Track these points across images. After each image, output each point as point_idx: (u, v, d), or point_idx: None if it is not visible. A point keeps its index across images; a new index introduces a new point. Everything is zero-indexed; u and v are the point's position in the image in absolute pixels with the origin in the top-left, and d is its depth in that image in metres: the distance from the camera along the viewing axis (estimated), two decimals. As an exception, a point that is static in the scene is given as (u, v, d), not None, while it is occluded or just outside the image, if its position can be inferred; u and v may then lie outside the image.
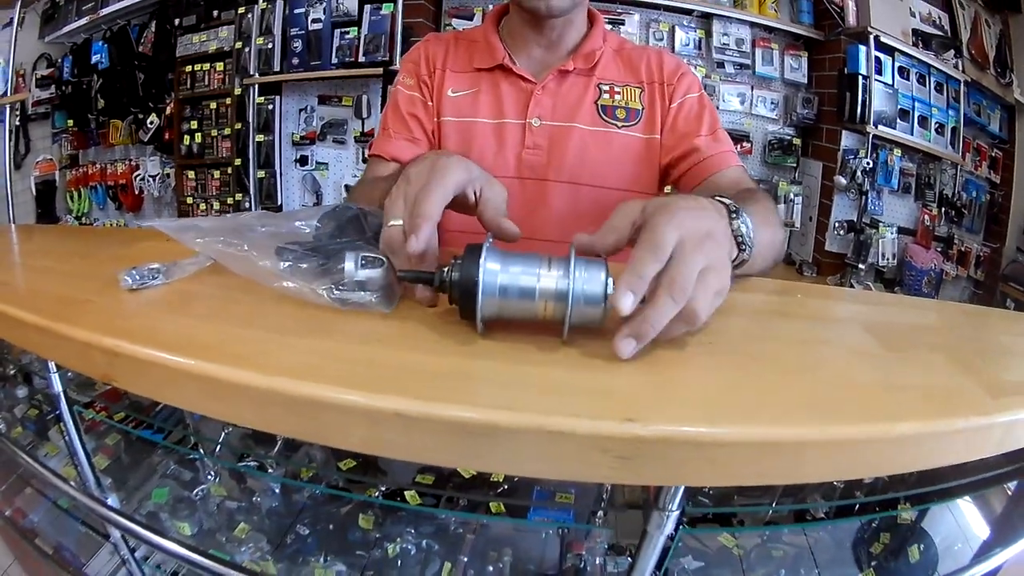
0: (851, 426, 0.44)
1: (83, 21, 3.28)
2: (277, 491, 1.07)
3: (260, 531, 1.02)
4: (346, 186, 2.84)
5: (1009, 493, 0.81)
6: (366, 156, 1.16)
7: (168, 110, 3.08)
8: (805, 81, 2.92)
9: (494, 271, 0.51)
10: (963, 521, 0.94)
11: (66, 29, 3.34)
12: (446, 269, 0.53)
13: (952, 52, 3.10)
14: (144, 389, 0.52)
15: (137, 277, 0.61)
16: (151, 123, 3.10)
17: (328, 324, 0.55)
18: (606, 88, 1.11)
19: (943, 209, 3.09)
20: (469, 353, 0.51)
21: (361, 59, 2.66)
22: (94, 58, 3.27)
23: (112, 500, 0.89)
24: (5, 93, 3.22)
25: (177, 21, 3.04)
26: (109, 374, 0.51)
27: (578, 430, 0.41)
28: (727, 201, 0.63)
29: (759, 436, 0.42)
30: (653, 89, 1.12)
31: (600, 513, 0.83)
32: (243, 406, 0.47)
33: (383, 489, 0.90)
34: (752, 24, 2.86)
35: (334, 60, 2.70)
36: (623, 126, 1.10)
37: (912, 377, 0.54)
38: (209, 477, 1.09)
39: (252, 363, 0.46)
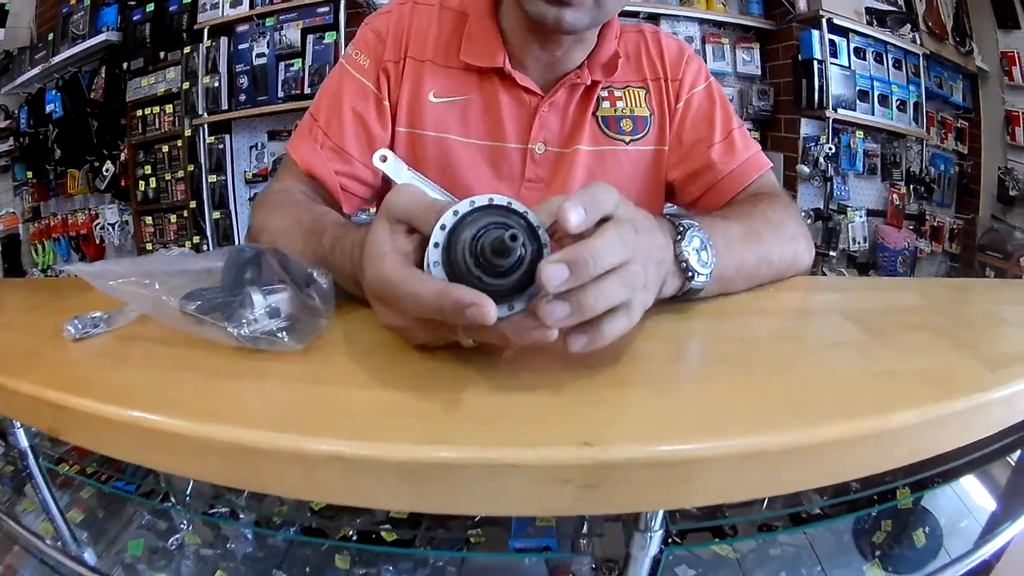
0: (839, 423, 0.40)
1: (36, 71, 3.24)
2: (250, 536, 1.02)
3: (238, 578, 0.97)
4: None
5: (1012, 464, 0.78)
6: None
7: (123, 156, 3.02)
8: (759, 73, 2.89)
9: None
10: (966, 497, 0.89)
11: (20, 80, 3.29)
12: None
13: (908, 26, 3.09)
14: (87, 442, 0.51)
15: (80, 327, 0.60)
16: (107, 170, 3.05)
17: (255, 366, 0.52)
18: (604, 94, 0.89)
19: (911, 187, 3.09)
20: (395, 384, 0.48)
21: (307, 91, 2.61)
22: (48, 107, 3.22)
23: (88, 555, 0.86)
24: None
25: (125, 65, 2.99)
26: (55, 427, 0.50)
27: (530, 460, 0.37)
28: (675, 221, 0.58)
29: (737, 448, 0.39)
30: (659, 87, 0.91)
31: (584, 531, 0.79)
32: (179, 456, 0.44)
33: (357, 527, 0.86)
34: (701, 20, 2.82)
35: (280, 94, 2.66)
36: (632, 141, 0.90)
37: (900, 361, 0.50)
38: (182, 526, 1.04)
39: (187, 410, 0.44)
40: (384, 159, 0.49)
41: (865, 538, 0.94)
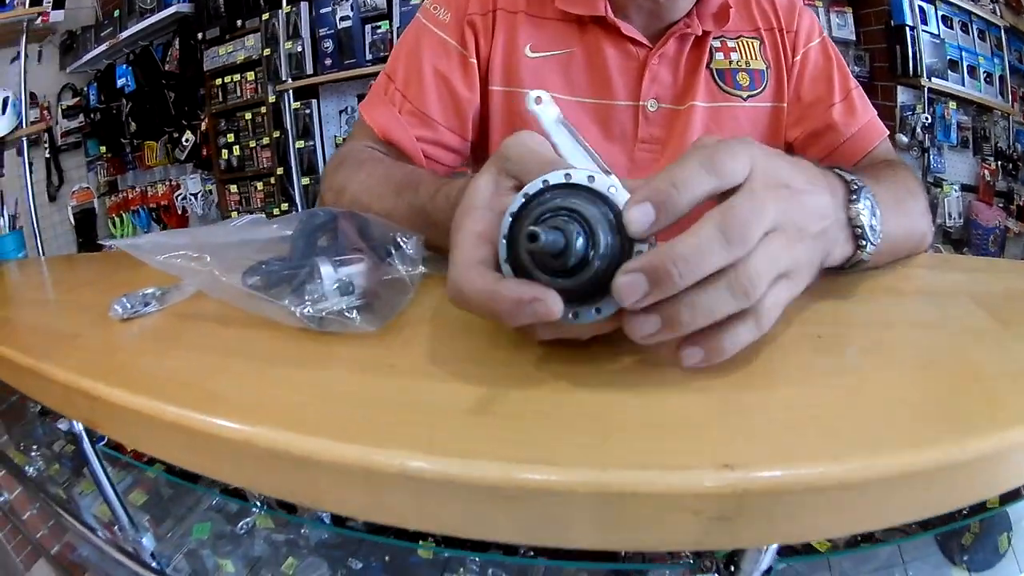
0: (991, 435, 0.32)
1: (103, 47, 3.25)
2: (327, 520, 0.96)
3: (310, 566, 0.93)
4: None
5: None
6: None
7: (203, 126, 3.03)
8: (853, 38, 2.80)
9: None
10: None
11: (87, 57, 3.31)
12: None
13: (989, -5, 2.98)
14: (124, 438, 0.47)
15: (128, 306, 0.56)
16: (187, 141, 3.06)
17: (321, 350, 0.46)
18: (716, 44, 0.81)
19: (999, 163, 2.98)
20: (489, 378, 0.40)
21: (396, 52, 2.56)
22: (119, 82, 3.23)
23: (147, 539, 0.82)
24: (21, 125, 3.21)
25: (200, 35, 2.98)
26: (91, 420, 0.45)
27: (656, 488, 0.29)
28: (846, 175, 0.47)
29: (899, 466, 0.30)
30: (774, 38, 0.83)
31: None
32: (222, 461, 0.39)
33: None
34: (793, -18, 2.74)
35: (368, 57, 2.60)
36: (749, 96, 0.82)
37: None
38: (255, 509, 0.98)
39: (230, 405, 0.39)
40: (539, 100, 0.41)
41: (954, 541, 0.87)
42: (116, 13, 3.21)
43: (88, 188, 3.55)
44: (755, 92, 0.83)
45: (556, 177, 0.37)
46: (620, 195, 0.36)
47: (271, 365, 0.44)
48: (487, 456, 0.31)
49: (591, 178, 0.37)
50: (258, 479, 0.38)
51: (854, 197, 0.46)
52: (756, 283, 0.35)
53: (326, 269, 0.47)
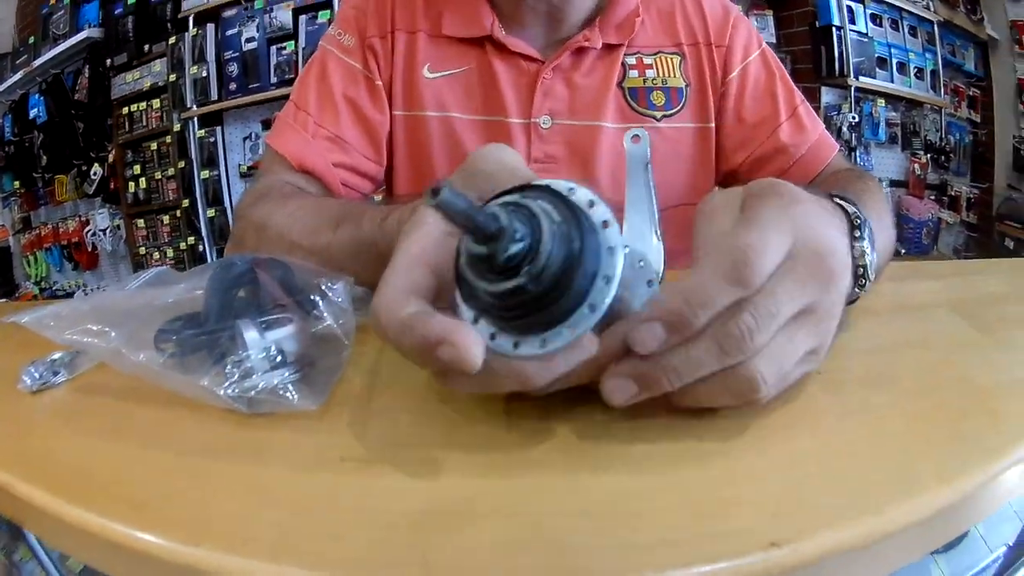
0: (1003, 457, 0.33)
1: (18, 76, 3.18)
2: None
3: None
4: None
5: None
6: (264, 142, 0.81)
7: (110, 157, 2.92)
8: (774, 40, 2.80)
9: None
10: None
11: (3, 87, 3.22)
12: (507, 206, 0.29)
13: (922, -8, 3.02)
14: (53, 541, 0.42)
15: (36, 376, 0.48)
16: (95, 174, 2.95)
17: (253, 438, 0.38)
18: (632, 61, 0.78)
19: (930, 156, 3.01)
20: (469, 460, 0.33)
21: (302, 74, 2.48)
22: (32, 113, 3.13)
23: None
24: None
25: (109, 61, 2.89)
26: (17, 518, 0.38)
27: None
28: (848, 207, 0.41)
29: (934, 503, 0.30)
30: (698, 54, 0.79)
31: None
32: None
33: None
34: (712, -15, 2.72)
35: (273, 80, 2.52)
36: (664, 116, 0.78)
37: (1020, 366, 0.44)
38: None
39: (164, 518, 0.31)
40: (636, 139, 0.40)
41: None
42: (31, 39, 3.13)
43: (3, 226, 3.43)
44: (671, 112, 0.78)
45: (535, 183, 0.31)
46: (597, 214, 0.30)
47: (199, 459, 0.36)
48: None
49: (571, 190, 0.30)
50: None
51: (857, 234, 0.41)
52: (755, 337, 0.31)
53: (251, 335, 0.40)
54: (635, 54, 0.78)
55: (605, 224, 0.29)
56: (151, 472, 0.36)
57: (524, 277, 0.28)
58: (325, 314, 0.44)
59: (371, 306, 0.32)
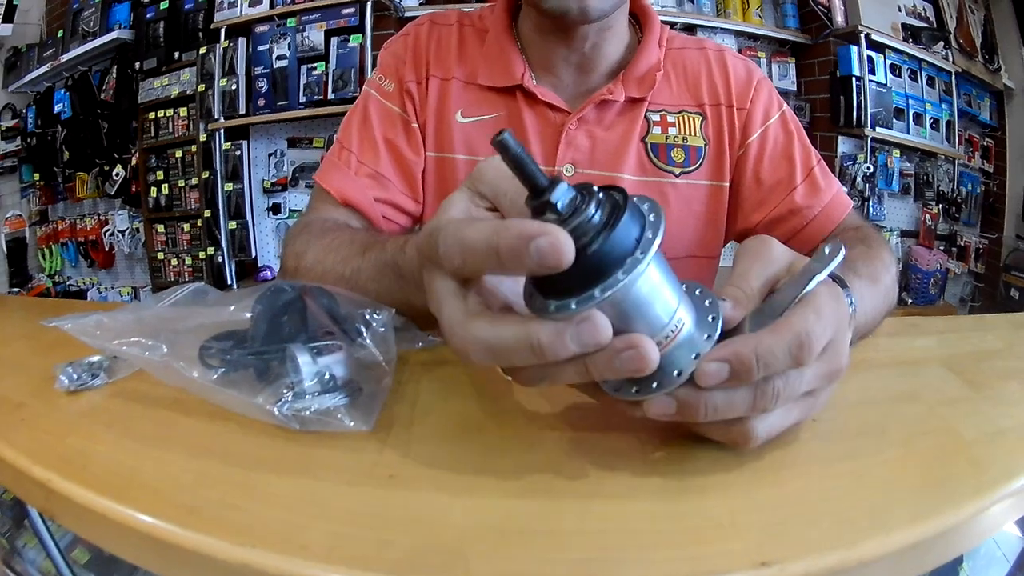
0: (977, 498, 0.37)
1: (45, 68, 3.16)
2: None
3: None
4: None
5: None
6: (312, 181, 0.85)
7: (133, 160, 2.93)
8: (795, 88, 2.81)
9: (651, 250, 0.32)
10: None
11: (28, 77, 3.21)
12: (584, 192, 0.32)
13: (941, 43, 3.03)
14: (86, 534, 0.40)
15: (74, 376, 0.50)
16: (117, 175, 2.95)
17: (303, 454, 0.40)
18: (656, 118, 0.81)
19: (941, 206, 3.02)
20: (503, 482, 0.37)
21: (330, 96, 2.49)
22: (56, 107, 3.13)
23: None
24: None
25: (138, 65, 2.90)
26: (47, 509, 0.40)
27: None
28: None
29: (905, 539, 0.34)
30: (719, 115, 0.82)
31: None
32: None
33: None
34: (737, 33, 2.73)
35: (302, 99, 2.54)
36: (682, 172, 0.81)
37: (1006, 418, 0.48)
38: None
39: (215, 521, 0.34)
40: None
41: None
42: (60, 33, 3.13)
43: (21, 216, 3.44)
44: (688, 169, 0.81)
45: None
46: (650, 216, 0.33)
47: (249, 470, 0.39)
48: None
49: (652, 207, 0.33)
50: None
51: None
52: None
53: (304, 359, 0.43)
54: (660, 111, 0.81)
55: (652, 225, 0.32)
56: (201, 479, 0.38)
57: (572, 224, 0.30)
58: (369, 342, 0.46)
59: (441, 235, 0.34)
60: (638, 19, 0.85)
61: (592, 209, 0.31)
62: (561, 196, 0.31)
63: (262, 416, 0.42)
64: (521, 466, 0.39)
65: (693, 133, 0.81)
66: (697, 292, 0.37)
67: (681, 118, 0.82)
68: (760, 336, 0.34)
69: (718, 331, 0.35)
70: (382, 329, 0.47)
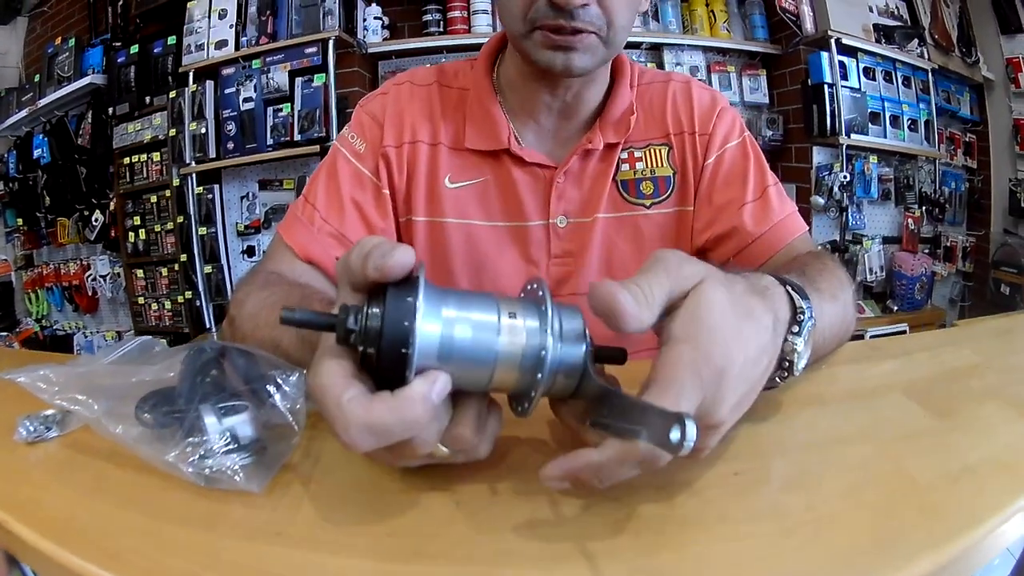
0: (929, 554, 0.33)
1: (23, 113, 3.19)
2: None
3: None
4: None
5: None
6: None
7: (111, 205, 2.94)
8: (767, 101, 2.79)
9: (436, 315, 0.37)
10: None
11: (8, 122, 3.24)
12: (356, 313, 0.38)
13: (916, 41, 2.99)
14: (43, 574, 0.44)
15: (31, 428, 0.55)
16: (96, 220, 2.96)
17: (208, 508, 0.44)
18: (624, 156, 0.83)
19: (924, 208, 2.98)
20: (392, 544, 0.39)
21: (297, 137, 2.48)
22: (36, 152, 3.15)
23: None
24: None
25: (111, 110, 2.90)
26: (10, 548, 0.44)
27: None
28: (797, 300, 0.46)
29: None
30: (683, 143, 0.84)
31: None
32: None
33: None
34: (705, 49, 2.71)
35: (270, 141, 2.53)
36: (653, 204, 0.83)
37: (975, 450, 0.44)
38: None
39: (129, 567, 0.38)
40: None
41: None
42: (36, 78, 3.15)
43: (7, 260, 3.45)
44: (659, 199, 0.83)
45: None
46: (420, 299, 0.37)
47: (162, 522, 0.43)
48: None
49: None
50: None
51: (796, 329, 0.45)
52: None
53: (210, 420, 0.46)
54: (627, 148, 0.83)
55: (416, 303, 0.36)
56: (123, 528, 0.42)
57: (358, 343, 0.37)
58: (279, 403, 0.49)
59: (335, 429, 0.37)
60: (616, 66, 0.86)
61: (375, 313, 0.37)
62: (350, 323, 0.37)
63: (175, 471, 0.45)
64: (401, 529, 0.40)
65: (660, 164, 0.83)
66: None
67: (647, 151, 0.84)
68: (604, 450, 0.36)
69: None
70: (293, 391, 0.50)
